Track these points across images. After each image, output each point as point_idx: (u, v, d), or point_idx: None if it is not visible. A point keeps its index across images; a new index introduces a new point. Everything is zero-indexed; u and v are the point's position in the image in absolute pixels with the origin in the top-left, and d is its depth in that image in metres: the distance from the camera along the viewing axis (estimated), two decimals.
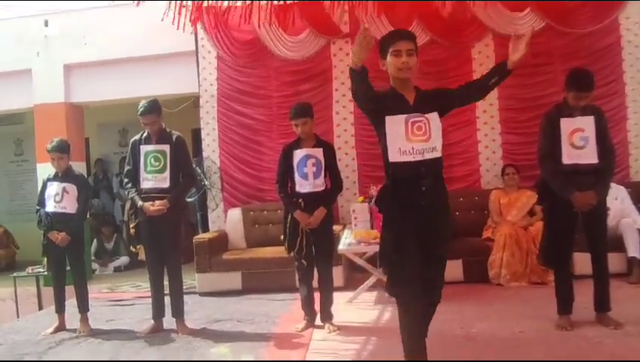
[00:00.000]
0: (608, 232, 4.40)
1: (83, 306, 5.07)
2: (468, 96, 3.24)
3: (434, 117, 3.05)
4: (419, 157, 3.01)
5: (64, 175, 5.06)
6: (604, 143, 4.14)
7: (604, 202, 4.22)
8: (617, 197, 5.81)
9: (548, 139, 4.20)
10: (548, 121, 4.24)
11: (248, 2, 6.52)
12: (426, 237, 3.03)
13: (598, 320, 4.19)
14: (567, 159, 4.13)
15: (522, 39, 3.08)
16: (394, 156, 3.05)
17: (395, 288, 3.13)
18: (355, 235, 5.47)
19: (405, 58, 3.01)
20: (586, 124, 4.13)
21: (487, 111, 6.83)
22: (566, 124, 4.15)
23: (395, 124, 3.03)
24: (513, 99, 6.76)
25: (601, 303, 4.19)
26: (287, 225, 4.57)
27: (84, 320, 5.05)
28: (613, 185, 5.48)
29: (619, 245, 5.51)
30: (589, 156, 4.10)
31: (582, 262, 4.77)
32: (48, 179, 5.10)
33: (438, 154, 3.06)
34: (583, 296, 4.24)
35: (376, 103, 3.07)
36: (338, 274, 5.52)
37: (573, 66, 4.98)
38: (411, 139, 3.02)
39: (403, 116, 3.03)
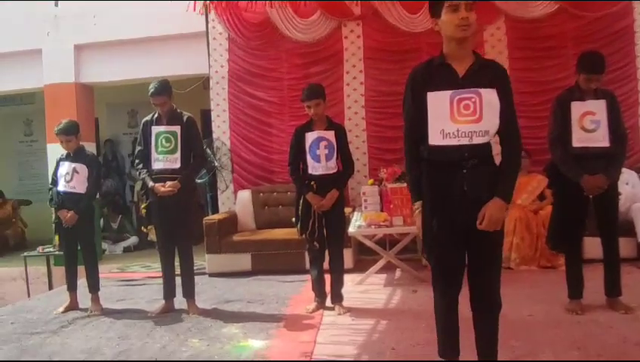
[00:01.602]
0: (619, 217, 4.39)
1: (94, 286, 5.12)
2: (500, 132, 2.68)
3: (489, 93, 2.58)
4: (465, 141, 2.59)
5: (75, 155, 5.08)
6: (616, 127, 4.10)
7: (615, 186, 4.21)
8: (628, 182, 5.80)
9: (558, 122, 4.18)
10: (559, 104, 4.21)
11: None
12: (471, 227, 2.61)
13: (609, 304, 4.19)
14: (577, 142, 4.10)
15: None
16: (435, 139, 2.64)
17: (434, 280, 2.82)
18: (365, 218, 5.47)
19: (465, 13, 2.54)
20: (598, 107, 4.09)
21: None
22: (577, 107, 4.12)
23: (438, 102, 2.62)
24: (525, 82, 6.69)
25: (612, 288, 4.18)
26: (300, 208, 4.58)
27: (96, 299, 5.10)
28: (624, 169, 5.45)
29: (629, 230, 5.50)
30: (600, 140, 4.07)
31: (592, 246, 4.75)
32: (61, 159, 5.15)
33: (489, 138, 2.61)
34: (593, 281, 4.24)
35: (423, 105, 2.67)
36: (347, 256, 5.51)
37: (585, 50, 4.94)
38: (457, 119, 2.60)
39: (448, 92, 2.61)
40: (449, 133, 2.61)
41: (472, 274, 2.75)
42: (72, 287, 5.16)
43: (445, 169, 2.65)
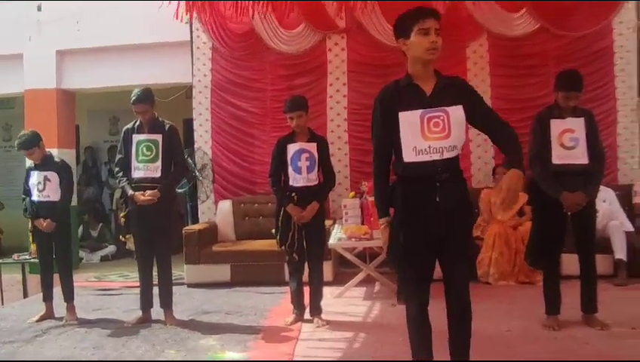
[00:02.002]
0: (596, 234, 4.45)
1: (68, 295, 5.04)
2: (484, 124, 2.84)
3: (456, 110, 2.70)
4: (436, 157, 2.69)
5: (44, 163, 5.02)
6: (594, 145, 4.18)
7: (593, 203, 4.27)
8: (606, 200, 5.87)
9: (538, 139, 4.24)
10: (539, 121, 4.27)
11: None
12: (445, 236, 2.74)
13: (585, 320, 4.23)
14: (556, 159, 4.16)
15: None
16: (409, 156, 2.73)
17: (403, 293, 2.88)
18: (346, 230, 5.48)
19: (434, 37, 2.66)
20: (576, 125, 4.17)
21: None
22: (556, 125, 4.19)
23: (409, 121, 2.71)
24: (506, 99, 6.79)
25: (588, 304, 4.22)
26: (280, 219, 4.57)
27: (71, 308, 5.03)
28: (602, 187, 5.51)
29: (606, 247, 5.55)
30: (579, 157, 4.14)
31: (569, 262, 4.81)
32: (30, 168, 5.08)
33: (457, 152, 2.74)
34: (570, 297, 4.27)
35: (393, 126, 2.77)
36: (327, 268, 5.53)
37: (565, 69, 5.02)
38: (428, 136, 2.69)
39: (418, 111, 2.70)
40: (421, 150, 2.71)
41: (446, 282, 2.84)
42: (47, 297, 5.08)
43: (419, 183, 2.76)
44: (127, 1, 6.98)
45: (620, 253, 5.58)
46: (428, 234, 2.75)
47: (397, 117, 2.74)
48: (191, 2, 6.65)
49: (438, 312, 2.84)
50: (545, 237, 4.25)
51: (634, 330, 4.06)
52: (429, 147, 2.69)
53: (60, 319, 4.96)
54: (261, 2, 6.64)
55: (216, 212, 7.07)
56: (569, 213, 4.13)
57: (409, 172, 2.76)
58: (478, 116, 2.79)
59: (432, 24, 2.68)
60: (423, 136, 2.70)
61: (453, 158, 2.73)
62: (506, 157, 2.81)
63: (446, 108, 2.70)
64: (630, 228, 5.80)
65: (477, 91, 2.84)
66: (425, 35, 2.67)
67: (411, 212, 2.77)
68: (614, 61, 6.75)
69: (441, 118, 2.69)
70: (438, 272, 2.84)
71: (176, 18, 6.62)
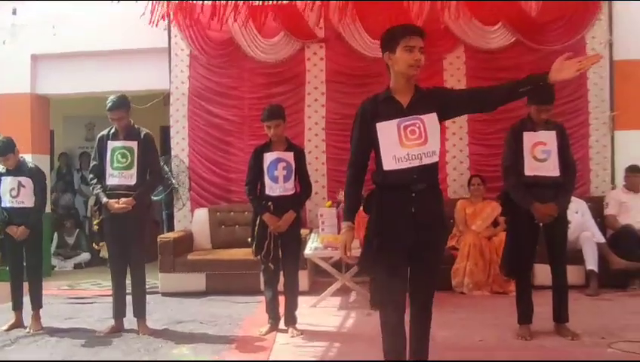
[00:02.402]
0: (568, 245, 4.52)
1: (36, 303, 4.95)
2: (482, 101, 2.97)
3: (430, 118, 2.83)
4: (415, 163, 2.80)
5: (17, 169, 4.94)
6: (565, 158, 4.27)
7: (564, 215, 4.36)
8: (578, 211, 5.96)
9: (511, 151, 4.32)
10: (512, 134, 4.36)
11: (223, 2, 6.46)
12: (417, 247, 2.83)
13: (557, 330, 4.30)
14: (529, 171, 4.24)
15: (575, 61, 2.78)
16: (389, 164, 2.83)
17: (378, 300, 2.99)
18: (322, 240, 5.47)
19: (418, 55, 2.79)
20: (548, 137, 4.26)
21: (457, 121, 6.91)
22: (528, 137, 4.27)
23: (386, 131, 2.84)
24: None
25: (560, 314, 4.29)
26: (256, 228, 4.56)
27: (36, 317, 4.93)
28: (574, 199, 5.64)
29: (578, 258, 5.66)
30: (551, 169, 4.22)
31: (542, 273, 4.88)
32: (2, 174, 4.96)
33: (436, 158, 2.85)
34: (543, 307, 4.33)
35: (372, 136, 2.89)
36: (303, 278, 5.53)
37: None
38: (406, 144, 2.81)
39: (395, 121, 2.83)
40: (400, 158, 2.82)
41: (412, 291, 2.95)
42: (17, 306, 4.98)
43: (396, 192, 2.85)
44: (105, 0, 6.84)
45: (592, 263, 5.68)
46: (401, 242, 2.83)
47: (375, 129, 2.85)
48: (168, 7, 6.61)
49: None
50: (518, 248, 4.31)
51: (603, 340, 4.12)
52: (408, 154, 2.80)
53: None
54: (240, 11, 6.66)
55: (192, 220, 7.03)
56: (541, 224, 4.20)
57: (387, 180, 2.85)
58: (459, 99, 2.99)
59: (417, 42, 2.80)
60: (401, 144, 2.81)
61: (431, 166, 2.84)
62: (519, 82, 2.86)
63: (420, 116, 2.82)
64: (601, 239, 5.89)
65: (446, 88, 2.95)
66: (409, 52, 2.79)
67: (386, 220, 2.86)
68: (587, 75, 6.86)
69: (417, 125, 2.81)
70: None
71: (150, 23, 6.53)
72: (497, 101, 2.93)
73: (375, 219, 2.90)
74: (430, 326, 2.98)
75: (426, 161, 2.81)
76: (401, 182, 2.82)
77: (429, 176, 2.86)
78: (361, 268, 3.02)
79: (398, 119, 2.82)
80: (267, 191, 4.53)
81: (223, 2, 6.43)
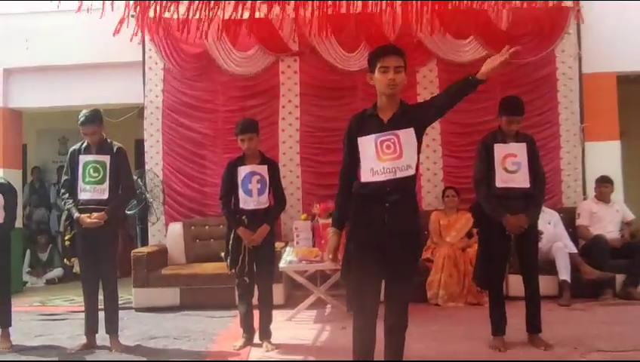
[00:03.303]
0: (541, 256, 4.59)
1: (5, 321, 4.85)
2: (444, 103, 3.17)
3: (407, 133, 3.00)
4: (390, 176, 2.97)
5: None
6: (535, 169, 4.33)
7: (535, 226, 4.40)
8: (550, 222, 6.04)
9: (483, 163, 4.38)
10: (483, 146, 4.41)
11: (196, 16, 6.45)
12: (389, 256, 2.99)
13: (530, 341, 4.32)
14: (500, 183, 4.30)
15: (500, 55, 3.17)
16: (366, 177, 3.03)
17: (351, 304, 3.20)
18: (297, 253, 5.47)
19: (393, 75, 2.97)
20: (519, 149, 4.32)
21: (430, 134, 6.97)
22: (499, 149, 4.33)
23: (366, 145, 3.04)
24: (455, 123, 6.93)
25: (533, 325, 4.32)
26: (230, 242, 4.54)
27: (5, 335, 4.83)
28: (546, 209, 5.75)
29: (551, 268, 5.71)
30: (521, 181, 4.28)
31: (515, 284, 4.93)
32: None
33: (412, 171, 3.01)
34: (516, 318, 4.36)
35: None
36: (278, 291, 5.52)
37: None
38: (382, 158, 2.99)
39: (373, 136, 3.02)
40: (377, 171, 3.00)
41: (387, 299, 3.10)
42: None
43: (370, 202, 3.03)
44: None
45: (564, 273, 5.73)
46: (372, 249, 3.00)
47: (357, 143, 3.06)
48: (142, 22, 6.60)
49: None
50: (490, 259, 4.35)
51: (576, 350, 4.16)
52: (383, 168, 2.98)
53: None
54: (214, 25, 6.67)
55: (167, 234, 6.97)
56: (512, 236, 4.24)
57: (364, 190, 3.05)
58: (433, 104, 3.18)
59: (392, 62, 2.98)
60: (378, 158, 3.00)
61: (406, 178, 3.00)
62: (465, 80, 3.15)
63: (396, 131, 3.00)
64: (574, 249, 5.96)
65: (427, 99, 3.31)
66: (384, 73, 2.99)
67: (360, 227, 3.05)
68: (557, 88, 7.01)
69: (392, 140, 2.99)
70: None
71: (116, 33, 6.45)
72: (451, 103, 3.16)
73: (351, 226, 3.10)
74: (405, 336, 3.10)
75: (400, 174, 2.97)
76: (376, 193, 2.99)
77: (403, 188, 3.01)
78: (342, 274, 3.25)
79: (376, 134, 3.02)
80: (241, 205, 4.52)
81: (196, 16, 6.42)
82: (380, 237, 2.98)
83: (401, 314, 3.06)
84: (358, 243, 3.04)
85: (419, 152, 3.07)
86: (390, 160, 2.98)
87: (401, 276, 3.06)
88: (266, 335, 4.58)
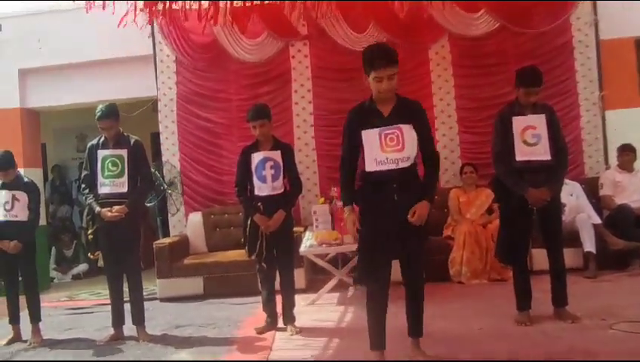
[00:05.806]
0: (565, 228, 4.50)
1: (34, 316, 4.94)
2: (421, 149, 3.40)
3: (408, 128, 3.28)
4: (393, 166, 3.27)
5: (12, 183, 4.93)
6: (556, 141, 4.21)
7: (557, 198, 4.31)
8: (573, 194, 5.95)
9: (501, 137, 4.26)
10: (500, 119, 4.30)
11: (205, 4, 6.42)
12: (401, 231, 3.28)
13: (556, 314, 4.26)
14: (519, 156, 4.18)
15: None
16: (370, 166, 3.32)
17: (363, 277, 3.52)
18: (317, 237, 5.47)
19: (386, 85, 3.22)
20: (538, 121, 4.19)
21: (445, 110, 6.92)
22: (518, 122, 4.21)
23: (370, 138, 3.30)
24: (470, 98, 6.85)
25: (559, 298, 4.25)
26: (247, 229, 4.54)
27: (36, 330, 4.92)
28: (568, 181, 5.64)
29: (575, 240, 5.62)
30: (542, 153, 4.16)
31: (539, 258, 4.87)
32: None
33: (412, 162, 3.31)
34: (541, 292, 4.31)
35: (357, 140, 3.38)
36: (300, 276, 5.53)
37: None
38: (385, 150, 3.28)
39: (377, 129, 3.29)
40: (381, 161, 3.30)
41: (402, 265, 3.46)
42: (14, 320, 4.98)
43: (380, 185, 3.34)
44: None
45: (589, 245, 5.65)
46: (387, 223, 3.30)
47: (360, 135, 3.33)
48: (151, 14, 6.59)
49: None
50: (512, 234, 4.28)
51: (604, 321, 4.09)
52: (387, 158, 3.29)
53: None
54: (224, 13, 6.63)
55: (187, 224, 7.01)
56: (535, 209, 4.17)
57: (371, 178, 3.35)
58: (419, 135, 3.35)
59: (386, 72, 3.20)
60: (382, 150, 3.29)
61: (407, 167, 3.30)
62: (424, 191, 3.37)
63: (400, 125, 3.29)
64: (598, 220, 5.86)
65: (425, 117, 3.47)
66: (378, 83, 3.25)
67: (372, 206, 3.35)
68: (574, 56, 6.86)
69: (396, 134, 3.29)
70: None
71: (119, 25, 6.45)
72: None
73: (363, 207, 3.41)
74: (422, 307, 3.51)
75: (402, 165, 3.28)
76: (383, 178, 3.31)
77: (407, 172, 3.32)
78: (358, 252, 3.57)
79: (379, 128, 3.30)
80: (256, 192, 4.52)
81: (205, 5, 6.39)
82: (391, 211, 3.28)
83: (420, 273, 3.49)
84: (372, 220, 3.34)
85: (418, 146, 3.34)
86: (393, 151, 3.27)
87: (416, 240, 3.38)
88: (289, 319, 4.59)
